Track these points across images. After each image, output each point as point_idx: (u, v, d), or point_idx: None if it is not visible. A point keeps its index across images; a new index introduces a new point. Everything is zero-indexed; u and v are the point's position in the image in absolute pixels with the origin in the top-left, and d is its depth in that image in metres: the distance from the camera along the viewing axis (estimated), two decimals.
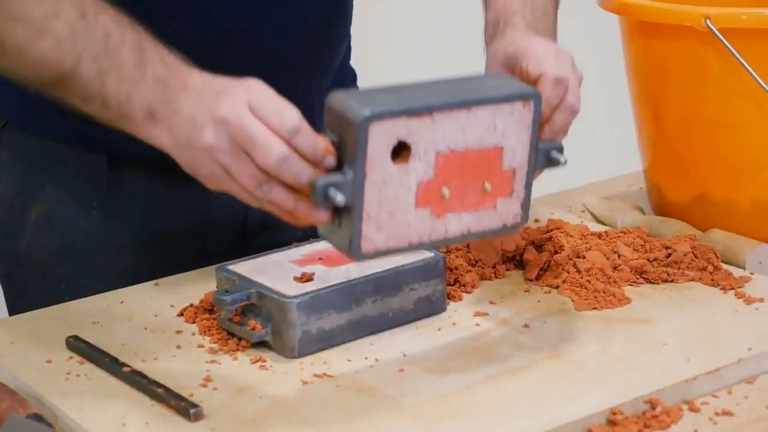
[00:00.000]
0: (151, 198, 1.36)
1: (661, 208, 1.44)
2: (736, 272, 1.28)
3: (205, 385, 1.10)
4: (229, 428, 1.02)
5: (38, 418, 1.02)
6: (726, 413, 1.05)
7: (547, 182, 1.31)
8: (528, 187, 1.09)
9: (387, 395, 1.07)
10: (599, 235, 1.33)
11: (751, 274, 1.28)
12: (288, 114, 1.01)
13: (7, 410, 1.02)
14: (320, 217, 1.03)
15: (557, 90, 1.13)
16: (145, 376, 1.10)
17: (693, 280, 1.27)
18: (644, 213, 1.44)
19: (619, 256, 1.29)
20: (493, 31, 1.24)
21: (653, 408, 1.05)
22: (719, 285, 1.26)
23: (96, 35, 1.06)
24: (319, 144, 1.01)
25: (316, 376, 1.11)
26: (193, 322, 1.22)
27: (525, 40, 1.18)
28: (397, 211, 1.03)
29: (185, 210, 1.37)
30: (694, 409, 1.06)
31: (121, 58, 1.06)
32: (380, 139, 1.00)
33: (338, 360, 1.13)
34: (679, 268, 1.28)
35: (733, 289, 1.25)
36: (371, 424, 1.03)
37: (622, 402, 1.04)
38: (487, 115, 1.05)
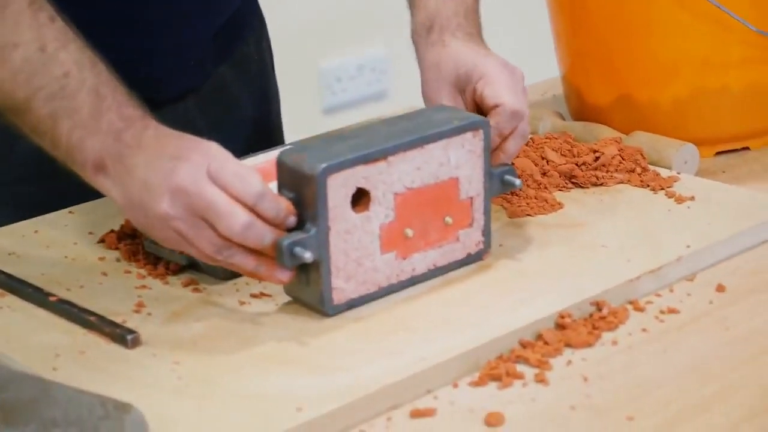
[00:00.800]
0: None
1: (581, 113, 1.43)
2: (664, 173, 1.28)
3: (138, 311, 1.05)
4: (170, 353, 0.98)
5: None
6: (671, 311, 1.05)
7: None
8: (486, 213, 1.10)
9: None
10: (526, 142, 1.31)
11: (678, 173, 1.28)
12: (251, 179, 0.98)
13: None
14: (284, 277, 1.00)
15: (513, 121, 1.12)
16: (74, 305, 1.05)
17: (622, 182, 1.26)
18: (564, 119, 1.42)
19: (547, 161, 1.27)
20: (427, 35, 1.19)
21: (599, 310, 1.04)
22: (648, 186, 1.25)
23: (53, 74, 1.00)
24: (282, 205, 0.99)
25: (252, 296, 1.07)
26: (116, 249, 1.17)
27: (476, 59, 1.15)
28: (364, 259, 1.03)
29: None
30: (638, 309, 1.05)
31: (76, 103, 1.00)
32: (339, 190, 1.00)
33: None
34: (607, 171, 1.27)
35: (662, 189, 1.24)
36: (318, 342, 1.00)
37: (569, 305, 1.03)
38: (440, 150, 1.06)
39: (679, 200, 1.22)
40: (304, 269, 1.02)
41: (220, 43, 1.38)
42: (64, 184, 1.30)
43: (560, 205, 1.22)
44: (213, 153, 0.99)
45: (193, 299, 1.07)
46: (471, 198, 1.09)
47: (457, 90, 1.16)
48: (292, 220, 1.00)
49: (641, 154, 1.28)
